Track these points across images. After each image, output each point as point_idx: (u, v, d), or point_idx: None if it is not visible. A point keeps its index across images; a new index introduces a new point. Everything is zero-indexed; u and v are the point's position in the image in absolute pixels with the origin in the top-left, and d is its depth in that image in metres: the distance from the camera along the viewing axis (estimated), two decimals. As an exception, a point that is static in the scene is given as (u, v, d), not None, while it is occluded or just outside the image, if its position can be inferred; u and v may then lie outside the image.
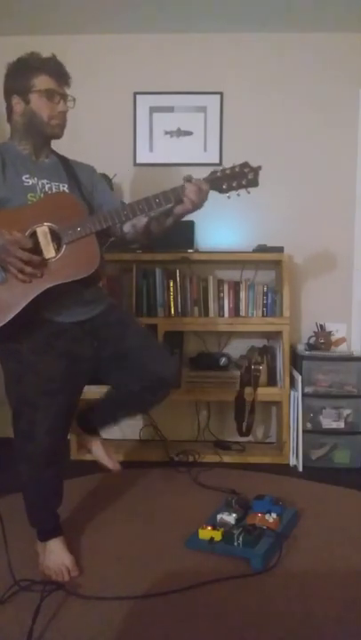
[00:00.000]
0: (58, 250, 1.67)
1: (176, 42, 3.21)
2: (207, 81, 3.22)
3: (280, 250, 2.99)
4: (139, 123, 3.23)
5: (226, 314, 3.03)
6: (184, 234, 2.96)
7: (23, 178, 1.77)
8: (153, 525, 2.18)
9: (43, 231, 1.66)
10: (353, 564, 1.91)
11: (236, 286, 3.04)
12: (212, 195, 3.51)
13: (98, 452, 2.08)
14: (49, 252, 1.66)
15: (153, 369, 1.89)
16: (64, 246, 1.67)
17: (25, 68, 1.80)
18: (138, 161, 3.24)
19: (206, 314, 3.04)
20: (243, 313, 3.04)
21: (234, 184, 1.76)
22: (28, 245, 1.61)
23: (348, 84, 3.20)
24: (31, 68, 1.79)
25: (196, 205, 1.78)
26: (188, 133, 3.23)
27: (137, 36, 3.20)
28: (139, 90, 3.21)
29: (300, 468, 2.89)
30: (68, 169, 1.90)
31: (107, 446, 2.11)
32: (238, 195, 1.76)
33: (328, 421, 2.95)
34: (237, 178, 1.76)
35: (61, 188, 1.83)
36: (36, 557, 1.89)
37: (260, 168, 1.76)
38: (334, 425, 2.95)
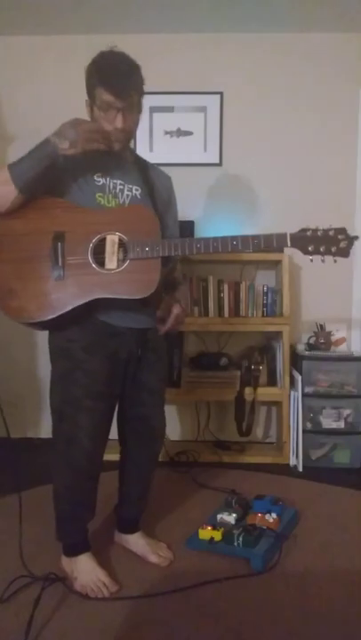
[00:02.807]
0: (121, 262, 1.64)
1: (176, 42, 3.21)
2: (207, 81, 3.22)
3: (280, 249, 2.98)
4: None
5: (226, 314, 3.03)
6: (184, 233, 2.95)
7: (95, 177, 1.72)
8: (153, 525, 2.17)
9: (112, 239, 1.63)
10: (353, 564, 1.90)
11: (236, 286, 3.04)
12: (212, 193, 3.51)
13: (140, 548, 1.95)
14: (111, 262, 1.63)
15: (150, 421, 1.90)
16: (127, 261, 1.63)
17: (91, 75, 1.68)
18: (138, 161, 3.24)
19: (206, 314, 3.04)
20: (243, 313, 3.03)
21: (322, 248, 1.60)
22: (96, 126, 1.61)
23: (348, 84, 3.20)
24: (95, 76, 1.66)
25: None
26: (188, 133, 3.23)
27: (137, 36, 3.20)
28: (139, 90, 3.20)
29: (301, 468, 2.89)
30: (145, 172, 1.84)
31: (150, 540, 1.99)
32: (323, 261, 1.61)
33: (328, 421, 2.95)
34: (328, 242, 1.60)
35: (134, 192, 1.77)
36: (38, 554, 1.88)
37: (356, 239, 1.61)
38: (334, 425, 2.94)
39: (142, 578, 1.81)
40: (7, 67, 3.27)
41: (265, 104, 3.24)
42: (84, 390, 1.71)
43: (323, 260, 1.61)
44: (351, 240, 1.60)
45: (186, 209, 3.16)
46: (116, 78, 1.65)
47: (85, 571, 1.76)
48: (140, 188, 1.79)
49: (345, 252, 1.60)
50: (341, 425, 2.94)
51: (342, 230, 1.60)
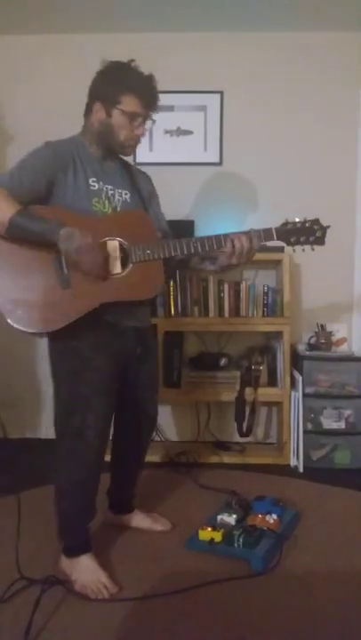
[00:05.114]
0: (123, 266, 1.71)
1: (176, 40, 3.20)
2: (207, 80, 3.21)
3: (280, 249, 2.97)
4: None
5: (226, 314, 3.02)
6: (184, 233, 2.95)
7: (90, 181, 1.78)
8: (153, 526, 2.17)
9: (113, 245, 1.70)
10: (353, 564, 1.90)
11: (236, 286, 3.03)
12: (213, 192, 3.51)
13: (144, 523, 2.12)
14: (115, 267, 1.70)
15: (148, 411, 2.02)
16: (130, 265, 1.71)
17: (118, 80, 1.76)
18: (138, 160, 3.22)
19: (206, 314, 3.03)
20: (243, 313, 3.02)
21: (302, 239, 1.77)
22: (100, 259, 1.66)
23: (348, 85, 3.20)
24: (124, 83, 1.75)
25: (239, 264, 1.80)
26: (189, 132, 3.22)
27: (137, 34, 3.19)
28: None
29: (301, 469, 2.88)
30: (130, 175, 1.93)
31: (147, 513, 2.16)
32: (303, 250, 1.78)
33: (329, 422, 2.94)
34: (306, 233, 1.77)
35: (124, 196, 1.85)
36: (38, 555, 1.87)
37: (328, 227, 1.77)
38: (335, 425, 2.93)
39: (142, 579, 1.80)
40: (6, 66, 3.26)
41: (265, 103, 3.23)
42: (93, 388, 1.75)
43: (303, 250, 1.79)
44: (324, 230, 1.77)
45: (186, 208, 3.17)
46: (148, 89, 1.77)
47: (86, 571, 1.76)
48: (128, 192, 1.87)
49: (321, 241, 1.78)
50: (342, 425, 2.93)
51: (316, 221, 1.77)
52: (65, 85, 3.22)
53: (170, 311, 3.00)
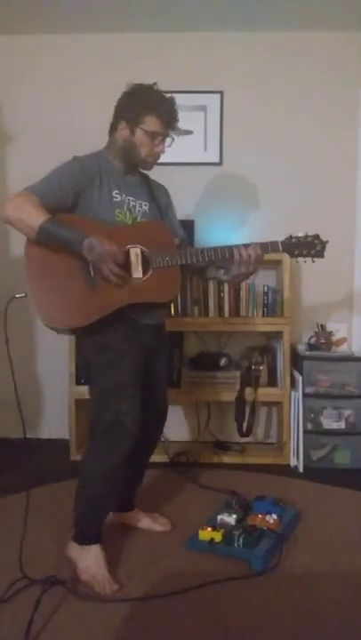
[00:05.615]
0: (145, 272, 1.84)
1: (176, 41, 3.20)
2: (207, 80, 3.21)
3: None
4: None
5: (226, 314, 3.02)
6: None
7: (113, 193, 1.91)
8: (153, 526, 2.17)
9: (135, 252, 1.84)
10: (354, 564, 1.90)
11: (236, 286, 3.03)
12: (213, 192, 3.50)
13: (144, 522, 2.16)
14: (137, 271, 1.84)
15: (157, 408, 2.07)
16: (151, 270, 1.85)
17: (141, 102, 1.90)
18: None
19: (206, 314, 3.03)
20: (243, 313, 3.02)
21: (304, 252, 1.92)
22: (121, 261, 1.78)
23: (348, 85, 3.20)
24: (147, 105, 1.89)
25: (247, 273, 1.93)
26: (188, 132, 3.22)
27: (137, 34, 3.20)
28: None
29: (301, 469, 2.88)
30: (149, 188, 2.06)
31: (147, 513, 2.19)
32: (305, 262, 1.92)
33: (329, 422, 2.94)
34: (308, 247, 1.91)
35: (144, 207, 1.98)
36: (39, 555, 1.87)
37: (327, 242, 1.91)
38: (335, 425, 2.93)
39: (142, 579, 1.80)
40: (6, 66, 3.26)
41: (265, 103, 3.23)
42: (127, 376, 1.83)
43: (305, 262, 1.93)
44: (324, 244, 1.92)
45: (186, 208, 3.16)
46: (169, 111, 1.92)
47: (94, 561, 1.80)
48: (147, 203, 2.00)
49: (320, 254, 1.93)
50: (342, 425, 2.93)
51: (317, 236, 1.92)
52: (64, 85, 3.22)
53: (170, 311, 3.00)
